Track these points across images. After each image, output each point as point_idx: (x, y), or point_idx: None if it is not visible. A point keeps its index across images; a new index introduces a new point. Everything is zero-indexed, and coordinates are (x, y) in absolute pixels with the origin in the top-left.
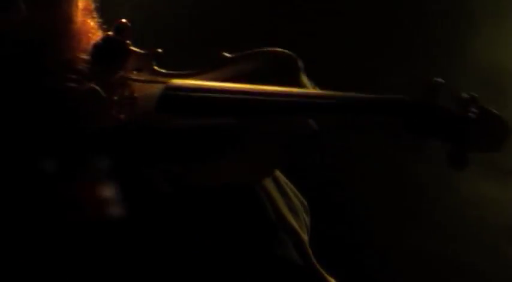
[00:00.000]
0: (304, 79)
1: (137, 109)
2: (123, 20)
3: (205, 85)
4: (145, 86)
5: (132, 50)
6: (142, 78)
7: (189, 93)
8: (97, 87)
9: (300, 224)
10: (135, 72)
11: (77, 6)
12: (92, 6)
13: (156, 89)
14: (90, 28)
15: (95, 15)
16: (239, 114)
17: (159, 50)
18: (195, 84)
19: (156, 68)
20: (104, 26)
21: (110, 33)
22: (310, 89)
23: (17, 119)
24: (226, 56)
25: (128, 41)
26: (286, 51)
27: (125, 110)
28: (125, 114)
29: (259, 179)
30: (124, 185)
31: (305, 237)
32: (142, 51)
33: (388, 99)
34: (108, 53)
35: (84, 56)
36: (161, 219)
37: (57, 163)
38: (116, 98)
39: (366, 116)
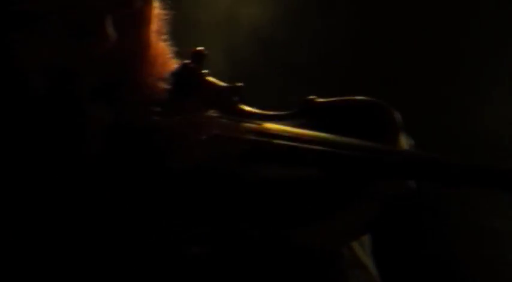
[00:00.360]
0: (403, 139)
1: (222, 149)
2: (201, 48)
3: (297, 133)
4: (231, 125)
5: (211, 82)
6: (227, 115)
7: (279, 141)
8: (180, 122)
9: (368, 257)
10: (218, 107)
11: (152, 28)
12: (164, 29)
13: (243, 131)
14: (164, 51)
15: (166, 39)
16: (334, 170)
17: (241, 84)
18: (286, 132)
19: (240, 105)
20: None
21: (187, 61)
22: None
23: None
24: (316, 101)
25: (205, 71)
26: (385, 104)
27: (209, 149)
28: (209, 154)
29: (348, 241)
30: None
31: (374, 271)
32: (223, 84)
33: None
34: (186, 81)
35: (162, 85)
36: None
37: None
38: (199, 136)
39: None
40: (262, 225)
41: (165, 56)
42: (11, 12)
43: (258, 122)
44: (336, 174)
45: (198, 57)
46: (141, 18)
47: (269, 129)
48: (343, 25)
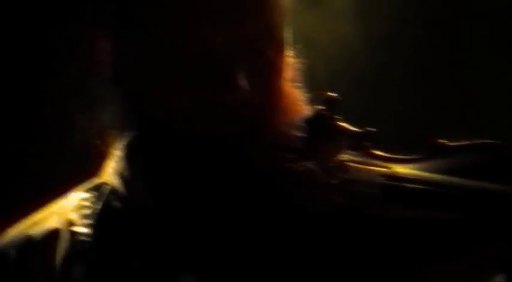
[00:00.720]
0: None
1: (356, 194)
2: (334, 94)
3: (428, 177)
4: (364, 169)
5: (344, 127)
6: (360, 160)
7: (409, 185)
8: (314, 168)
9: None
10: (351, 152)
11: (284, 77)
12: (298, 76)
13: (376, 174)
14: (297, 99)
15: (299, 86)
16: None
17: (373, 129)
18: (417, 175)
19: (372, 150)
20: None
21: (320, 107)
22: None
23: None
24: (445, 145)
25: (338, 117)
26: None
27: (343, 194)
28: (344, 198)
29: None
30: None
31: None
32: (356, 129)
33: None
34: (321, 129)
35: (295, 132)
36: None
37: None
38: (334, 180)
39: None
40: (394, 265)
41: (298, 104)
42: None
43: (390, 165)
44: (469, 216)
45: (331, 103)
46: (274, 68)
47: (401, 173)
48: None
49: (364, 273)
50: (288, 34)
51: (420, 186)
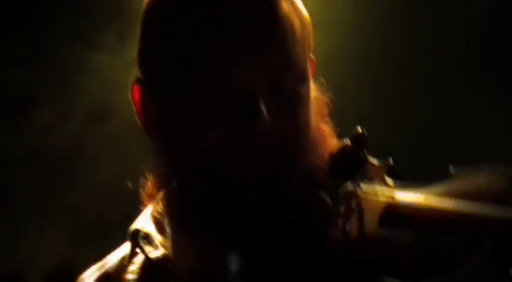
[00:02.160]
0: None
1: (363, 223)
2: (362, 131)
3: (432, 206)
4: (373, 198)
5: (370, 162)
6: (371, 190)
7: (411, 210)
8: (326, 197)
9: None
10: (366, 182)
11: (312, 110)
12: (326, 110)
13: (381, 202)
14: (326, 134)
15: (328, 120)
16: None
17: (392, 162)
18: (420, 203)
19: (387, 180)
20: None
21: (349, 144)
22: None
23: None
24: (453, 172)
25: (365, 152)
26: None
27: (350, 222)
28: (351, 226)
29: None
30: None
31: None
32: (377, 164)
33: None
34: (347, 165)
35: (322, 165)
36: None
37: None
38: (342, 209)
39: None
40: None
41: (328, 139)
42: None
43: (395, 193)
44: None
45: (360, 140)
46: (297, 99)
47: (403, 202)
48: None
49: None
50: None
51: (425, 213)
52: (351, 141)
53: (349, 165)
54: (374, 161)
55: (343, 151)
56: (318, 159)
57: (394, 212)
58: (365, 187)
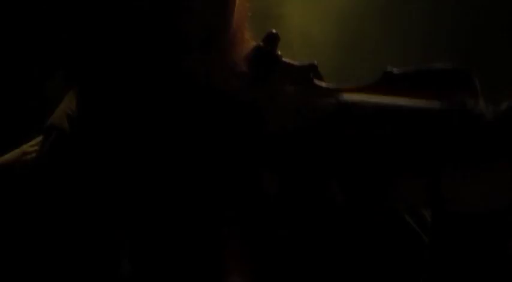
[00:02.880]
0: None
1: (303, 119)
2: (273, 31)
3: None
4: (309, 98)
5: (285, 62)
6: (307, 91)
7: (360, 107)
8: (258, 96)
9: None
10: (294, 83)
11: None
12: (246, 15)
13: (322, 102)
14: (245, 36)
15: (248, 26)
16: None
17: (314, 62)
18: (364, 97)
19: (315, 80)
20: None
21: (260, 44)
22: None
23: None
24: (392, 72)
25: (278, 52)
26: (464, 68)
27: (288, 119)
28: (289, 123)
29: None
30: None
31: None
32: (298, 64)
33: None
34: (260, 64)
35: (244, 65)
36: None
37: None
38: (279, 107)
39: None
40: (349, 186)
41: (246, 40)
42: None
43: (339, 93)
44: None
45: (272, 40)
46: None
47: (348, 97)
48: None
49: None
50: None
51: (368, 108)
52: (263, 42)
53: (262, 64)
54: (295, 62)
55: (254, 51)
56: (237, 56)
57: (339, 110)
58: (295, 86)
